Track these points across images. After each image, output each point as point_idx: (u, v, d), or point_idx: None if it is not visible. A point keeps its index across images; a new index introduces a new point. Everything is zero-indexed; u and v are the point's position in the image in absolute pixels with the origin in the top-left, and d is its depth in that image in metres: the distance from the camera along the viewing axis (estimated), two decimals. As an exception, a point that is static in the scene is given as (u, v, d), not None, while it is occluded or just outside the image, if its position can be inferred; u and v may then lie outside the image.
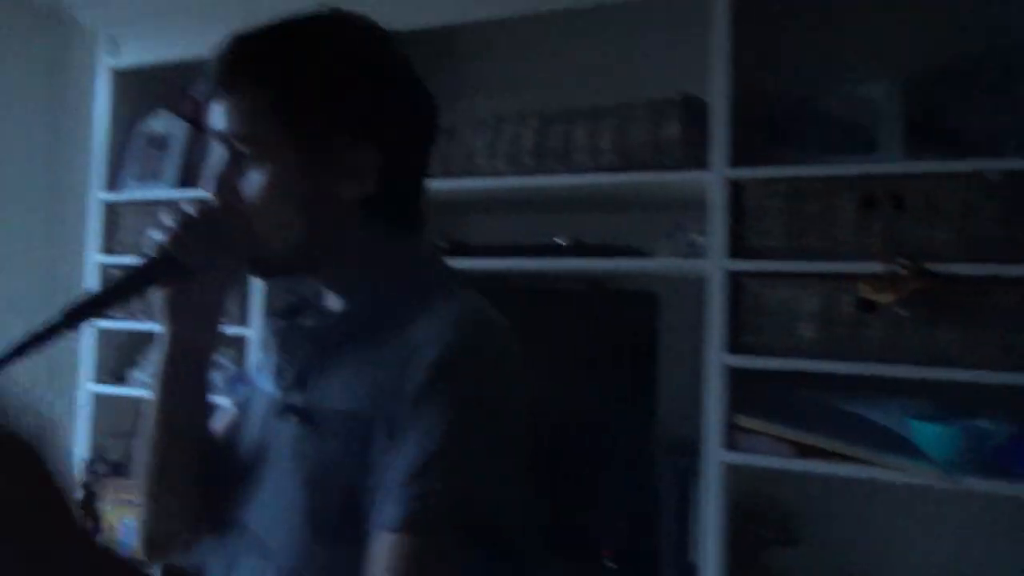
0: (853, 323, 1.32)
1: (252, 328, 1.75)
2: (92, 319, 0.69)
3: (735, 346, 1.37)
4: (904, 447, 1.29)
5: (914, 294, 1.27)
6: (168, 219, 0.73)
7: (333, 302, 0.78)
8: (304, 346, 0.75)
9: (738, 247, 1.39)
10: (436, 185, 1.30)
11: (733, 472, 1.38)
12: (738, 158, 1.43)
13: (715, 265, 1.38)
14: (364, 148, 0.71)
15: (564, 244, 1.54)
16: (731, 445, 1.35)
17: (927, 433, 1.27)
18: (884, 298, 1.30)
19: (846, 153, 1.40)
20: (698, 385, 1.37)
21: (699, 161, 1.41)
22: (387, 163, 0.72)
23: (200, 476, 0.79)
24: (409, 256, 0.78)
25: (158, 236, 0.72)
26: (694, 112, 1.44)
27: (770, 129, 1.47)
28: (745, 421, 1.35)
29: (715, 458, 1.35)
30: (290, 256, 0.74)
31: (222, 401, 0.88)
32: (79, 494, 1.84)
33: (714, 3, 1.40)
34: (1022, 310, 1.25)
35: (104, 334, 2.00)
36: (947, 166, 1.30)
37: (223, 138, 0.73)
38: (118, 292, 0.72)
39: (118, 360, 2.05)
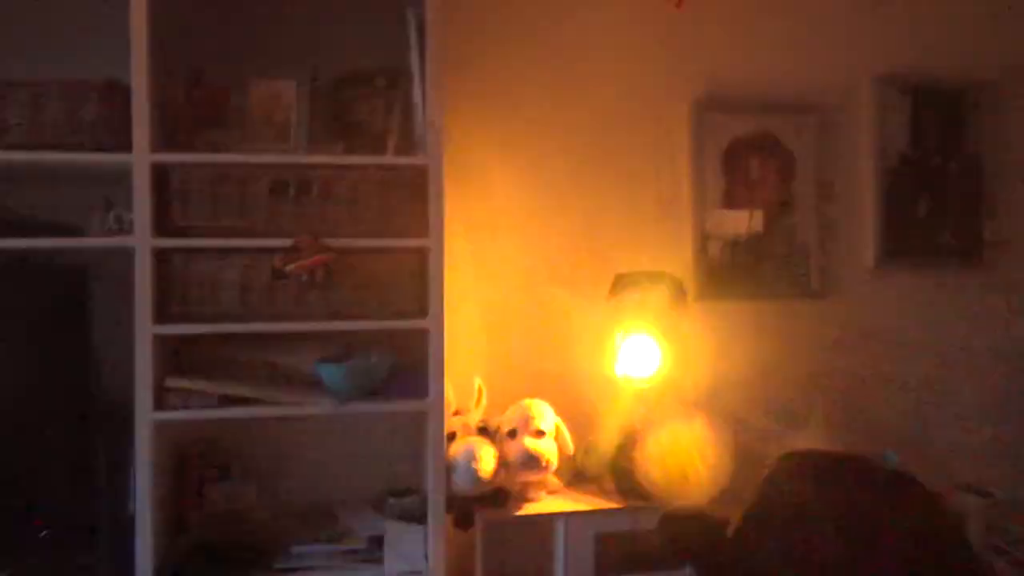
0: (268, 289, 1.57)
1: None
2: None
3: (164, 315, 1.52)
4: (313, 385, 1.62)
5: (316, 263, 1.58)
6: None
7: None
8: None
9: (165, 224, 1.52)
10: None
11: (166, 428, 1.55)
12: (165, 141, 1.56)
13: (141, 242, 1.50)
14: None
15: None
16: (160, 404, 1.51)
17: (326, 371, 1.61)
18: (292, 268, 1.58)
19: (262, 142, 1.63)
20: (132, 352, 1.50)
21: (121, 144, 1.49)
22: None
23: None
24: None
25: None
26: (117, 95, 1.50)
27: (195, 116, 1.62)
28: (173, 382, 1.53)
29: (145, 418, 1.50)
30: None
31: None
32: None
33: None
34: (393, 275, 1.65)
35: None
36: (341, 159, 1.63)
37: None
38: None
39: None
